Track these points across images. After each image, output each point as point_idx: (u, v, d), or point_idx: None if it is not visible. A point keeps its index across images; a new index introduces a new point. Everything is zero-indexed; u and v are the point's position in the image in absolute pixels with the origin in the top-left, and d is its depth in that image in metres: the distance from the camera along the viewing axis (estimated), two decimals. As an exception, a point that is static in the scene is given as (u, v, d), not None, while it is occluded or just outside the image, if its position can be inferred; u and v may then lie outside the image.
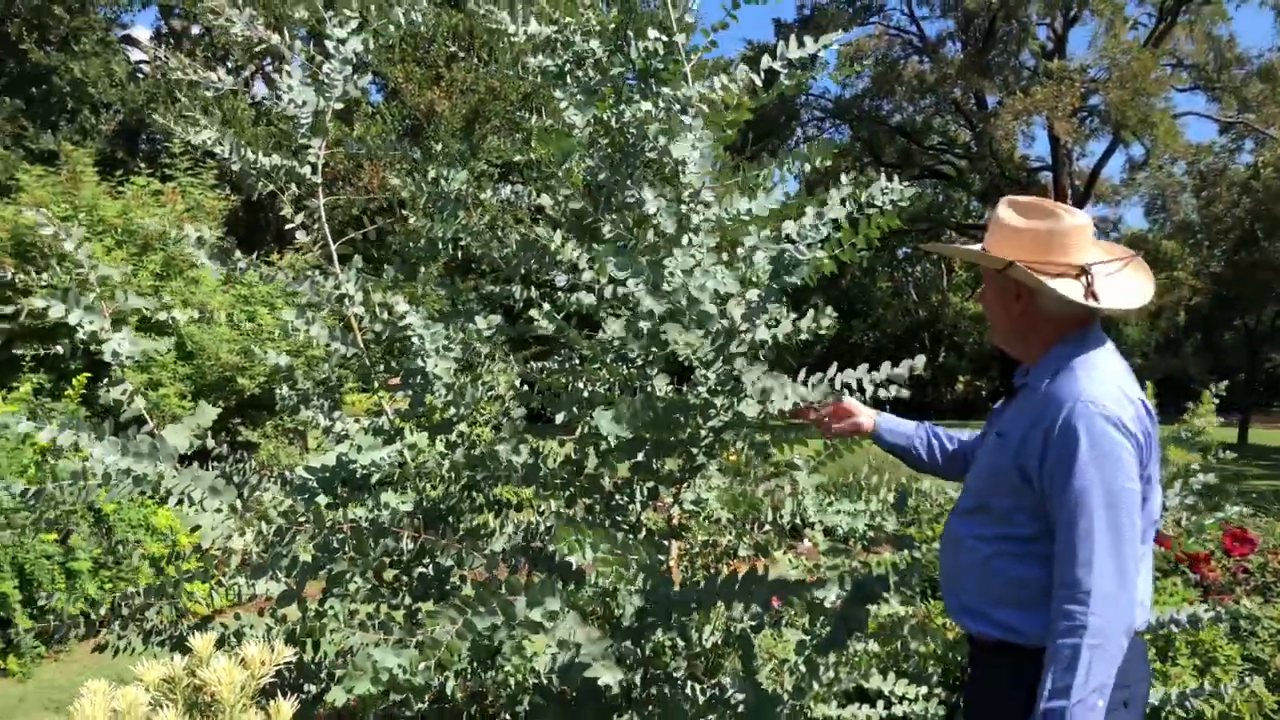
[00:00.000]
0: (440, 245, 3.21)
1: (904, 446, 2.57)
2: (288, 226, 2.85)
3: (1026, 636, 1.97)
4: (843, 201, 2.41)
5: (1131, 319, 39.21)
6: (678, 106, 2.67)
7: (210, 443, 3.62)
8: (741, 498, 3.43)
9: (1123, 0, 28.33)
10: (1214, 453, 6.14)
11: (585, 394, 2.77)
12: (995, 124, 27.07)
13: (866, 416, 2.56)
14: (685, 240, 2.46)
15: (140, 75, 18.10)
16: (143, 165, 9.77)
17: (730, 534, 3.34)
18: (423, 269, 3.25)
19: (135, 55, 20.13)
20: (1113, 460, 1.88)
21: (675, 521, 3.15)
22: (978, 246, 2.24)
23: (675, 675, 2.72)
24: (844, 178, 2.53)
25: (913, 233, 38.51)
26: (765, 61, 2.92)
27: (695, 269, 2.37)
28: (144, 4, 17.66)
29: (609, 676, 2.13)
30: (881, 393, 2.54)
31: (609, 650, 2.19)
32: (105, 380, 2.76)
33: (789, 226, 2.44)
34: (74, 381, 6.90)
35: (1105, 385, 1.95)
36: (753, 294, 2.31)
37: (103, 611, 3.10)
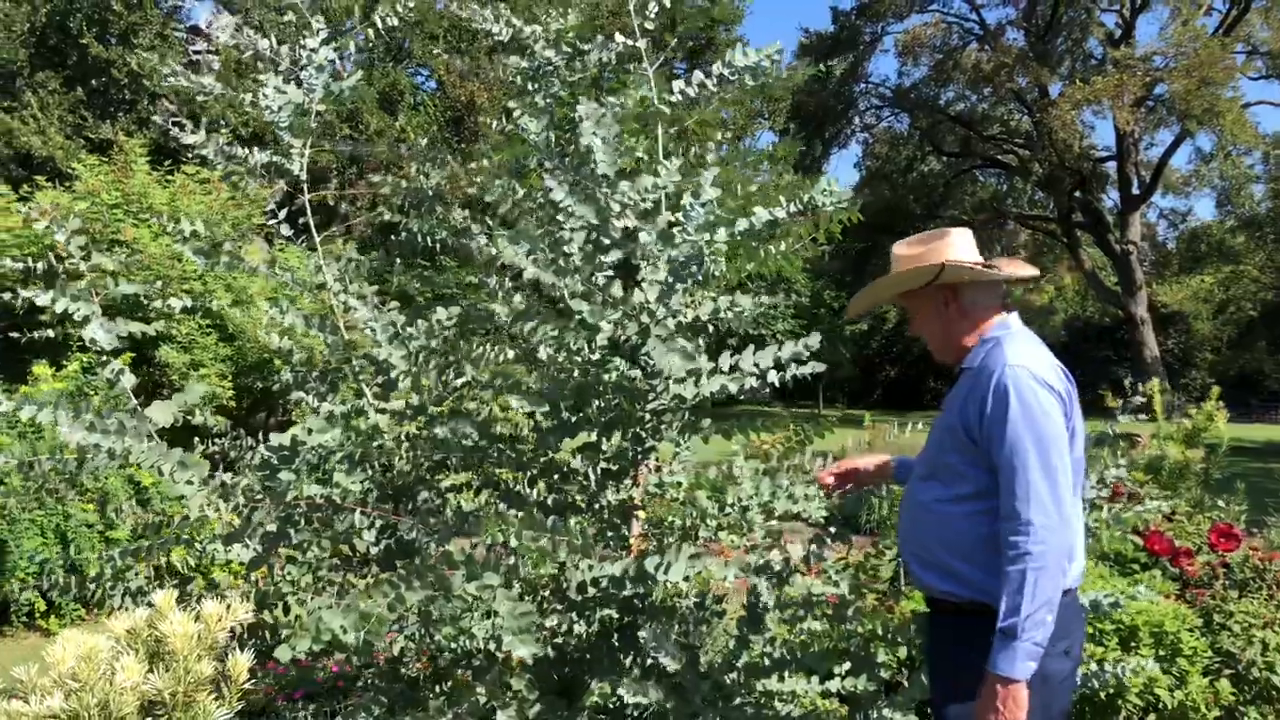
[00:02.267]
0: (420, 239, 3.41)
1: None
2: (271, 221, 3.07)
3: (990, 594, 2.18)
4: (715, 182, 2.54)
5: (1201, 314, 38.26)
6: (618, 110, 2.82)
7: (212, 421, 3.88)
8: (705, 481, 3.58)
9: (1193, -15, 27.59)
10: (1218, 449, 6.14)
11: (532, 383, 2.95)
12: (1053, 114, 26.57)
13: (878, 462, 2.86)
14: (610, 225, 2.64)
15: (209, 66, 18.71)
16: (193, 154, 10.13)
17: (691, 515, 3.49)
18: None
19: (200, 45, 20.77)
20: (1040, 411, 2.18)
21: (636, 501, 3.32)
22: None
23: (615, 643, 2.89)
24: (710, 157, 2.68)
25: (974, 222, 38.01)
26: (716, 69, 3.07)
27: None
28: (199, -2, 18.35)
29: (524, 650, 2.29)
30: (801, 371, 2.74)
31: (530, 624, 2.35)
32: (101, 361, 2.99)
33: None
34: (118, 360, 7.26)
35: (1027, 353, 2.28)
36: (660, 274, 2.46)
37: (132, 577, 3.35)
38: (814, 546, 2.75)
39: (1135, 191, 30.16)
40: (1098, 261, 34.66)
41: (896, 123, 35.97)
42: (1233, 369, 36.82)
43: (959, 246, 2.40)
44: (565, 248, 2.77)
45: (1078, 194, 30.24)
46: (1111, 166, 31.26)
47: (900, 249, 2.47)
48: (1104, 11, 30.53)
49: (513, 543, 2.38)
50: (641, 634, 2.50)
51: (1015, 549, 2.12)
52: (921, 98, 32.92)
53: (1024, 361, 2.23)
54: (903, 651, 3.91)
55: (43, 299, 2.56)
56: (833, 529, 3.11)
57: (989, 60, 30.08)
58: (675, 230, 2.61)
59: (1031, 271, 2.48)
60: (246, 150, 3.22)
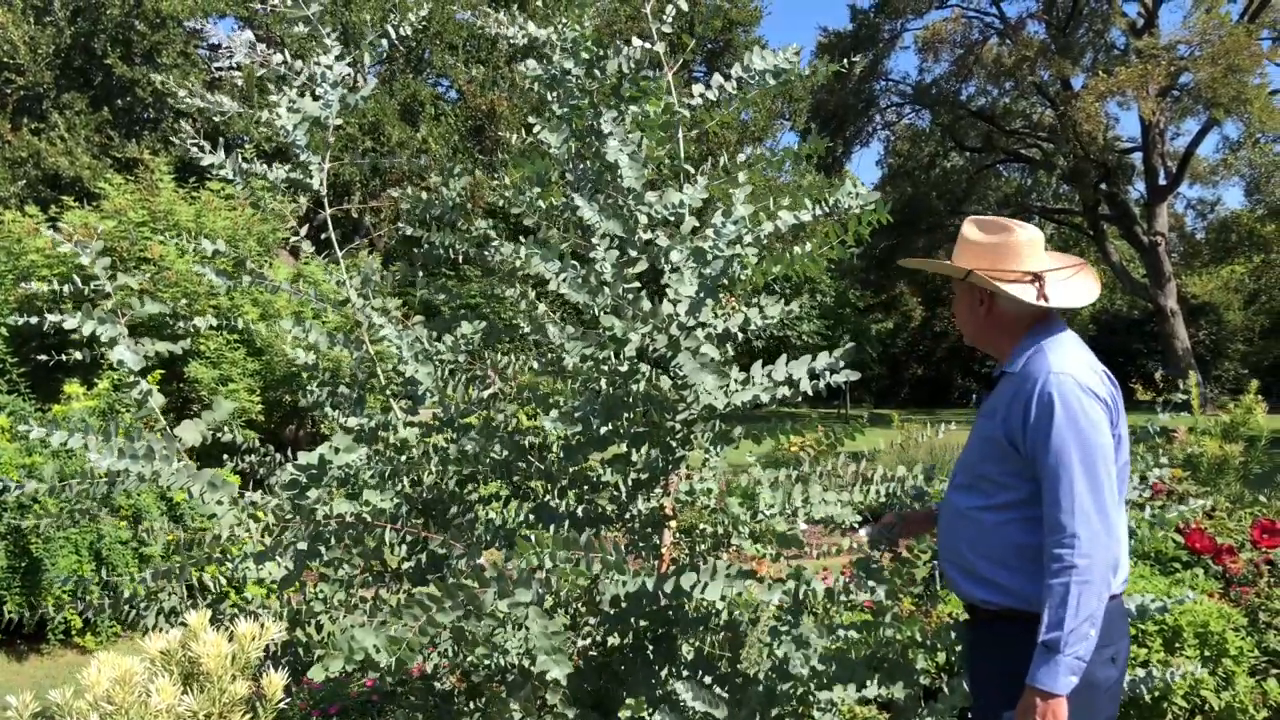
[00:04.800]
0: (441, 251, 3.39)
1: None
2: (292, 239, 3.07)
3: (1029, 601, 2.16)
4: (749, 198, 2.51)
5: (1233, 304, 37.74)
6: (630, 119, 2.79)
7: (241, 437, 3.87)
8: (737, 488, 3.53)
9: (1216, -29, 27.21)
10: (1258, 442, 6.03)
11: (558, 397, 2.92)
12: (1077, 106, 26.28)
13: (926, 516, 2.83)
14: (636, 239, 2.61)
15: (233, 83, 18.91)
16: (214, 173, 10.24)
17: (722, 524, 3.45)
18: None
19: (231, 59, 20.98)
20: (1086, 420, 2.13)
21: (667, 511, 3.28)
22: (946, 262, 2.49)
23: (649, 655, 2.86)
24: (741, 177, 2.64)
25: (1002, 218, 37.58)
26: (735, 71, 3.03)
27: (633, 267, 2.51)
28: (220, 15, 18.48)
29: (557, 671, 2.25)
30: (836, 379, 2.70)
31: (562, 643, 2.32)
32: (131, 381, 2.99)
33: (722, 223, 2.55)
34: (148, 378, 7.31)
35: (1072, 360, 2.22)
36: (689, 290, 2.43)
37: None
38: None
39: (1162, 182, 29.75)
40: (1125, 254, 34.27)
41: (918, 120, 35.70)
42: (1266, 359, 36.29)
43: (1013, 252, 2.31)
44: (596, 266, 2.73)
45: (1103, 186, 29.87)
46: (1137, 158, 30.83)
47: (967, 228, 2.42)
48: (1126, 1, 30.16)
49: (547, 564, 2.35)
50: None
51: (1060, 561, 2.07)
52: (942, 94, 32.62)
53: (1069, 369, 2.18)
54: (941, 657, 3.85)
55: (70, 323, 2.56)
56: (864, 530, 3.07)
57: (1010, 54, 29.79)
58: (707, 247, 2.58)
59: (1088, 298, 2.35)
60: (266, 166, 3.22)
